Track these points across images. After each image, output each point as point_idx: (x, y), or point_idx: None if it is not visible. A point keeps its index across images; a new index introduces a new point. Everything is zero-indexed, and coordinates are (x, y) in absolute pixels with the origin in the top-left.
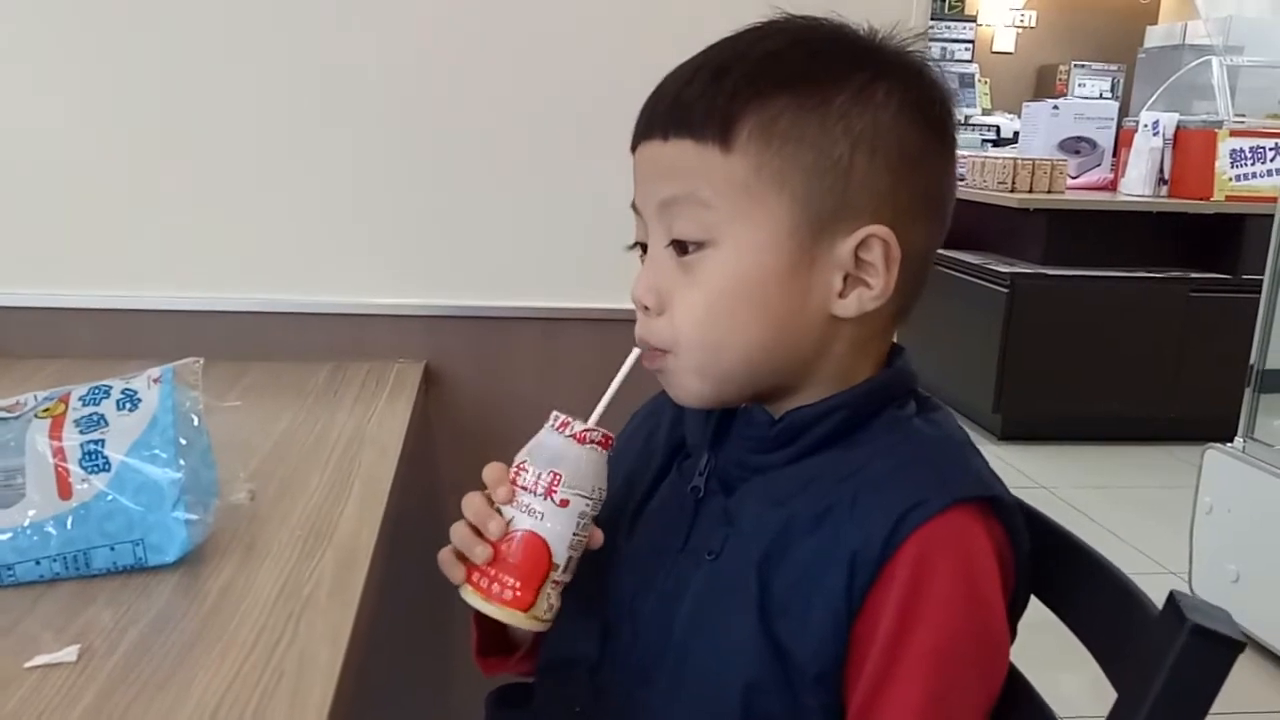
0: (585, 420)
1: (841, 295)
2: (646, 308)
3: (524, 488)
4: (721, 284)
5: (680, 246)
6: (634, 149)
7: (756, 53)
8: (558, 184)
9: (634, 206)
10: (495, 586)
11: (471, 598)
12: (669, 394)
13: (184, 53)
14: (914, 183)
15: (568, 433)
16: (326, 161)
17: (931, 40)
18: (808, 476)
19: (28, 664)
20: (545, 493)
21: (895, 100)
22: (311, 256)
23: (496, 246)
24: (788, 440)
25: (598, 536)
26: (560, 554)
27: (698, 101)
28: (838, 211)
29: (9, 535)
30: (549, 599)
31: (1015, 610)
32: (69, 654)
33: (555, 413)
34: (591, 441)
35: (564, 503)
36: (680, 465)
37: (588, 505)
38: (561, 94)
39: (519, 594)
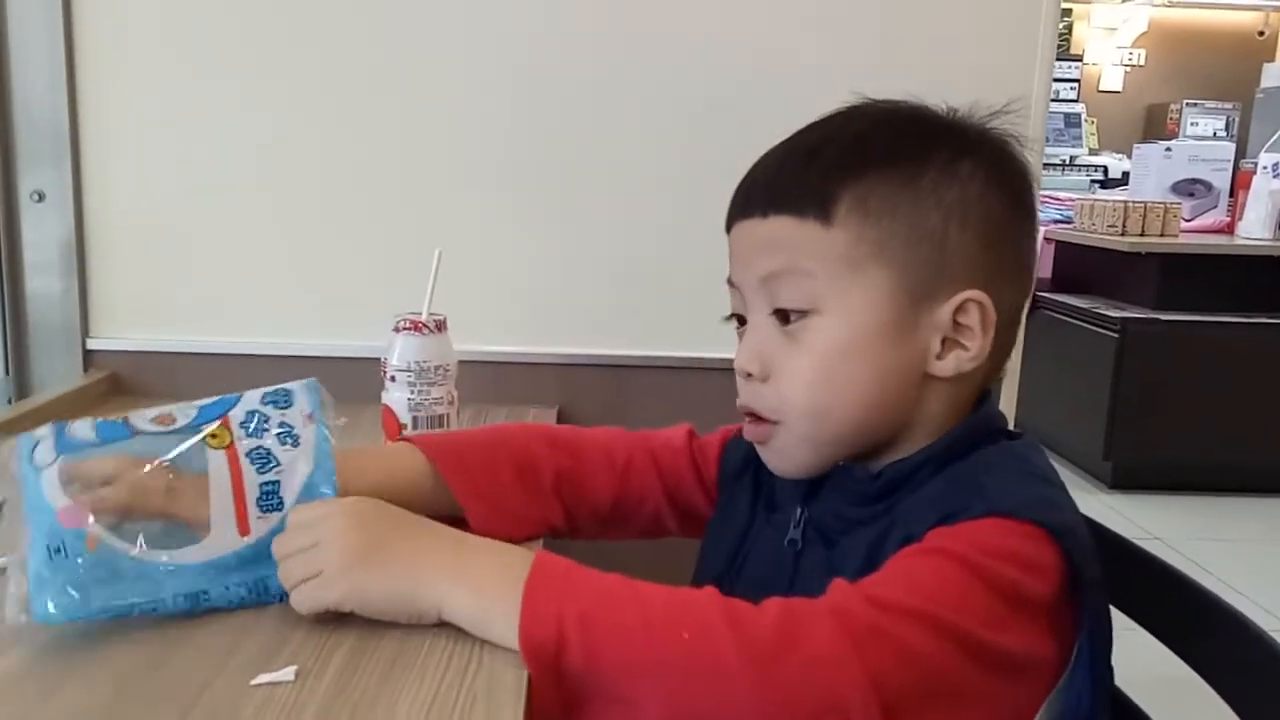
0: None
1: (939, 357)
2: (749, 375)
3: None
4: (827, 348)
5: (783, 316)
6: (729, 228)
7: (845, 135)
8: (679, 238)
9: (730, 282)
10: None
11: None
12: (771, 467)
13: (325, 109)
14: (1003, 249)
15: (393, 327)
16: (463, 217)
17: None
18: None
19: (253, 681)
20: (383, 374)
21: (981, 174)
22: (457, 304)
23: (627, 297)
24: (888, 493)
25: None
26: (404, 415)
27: (795, 180)
28: (935, 278)
29: (200, 566)
30: None
31: (1100, 641)
32: (288, 674)
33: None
34: (402, 330)
35: (392, 378)
36: (771, 518)
37: (410, 377)
38: (686, 154)
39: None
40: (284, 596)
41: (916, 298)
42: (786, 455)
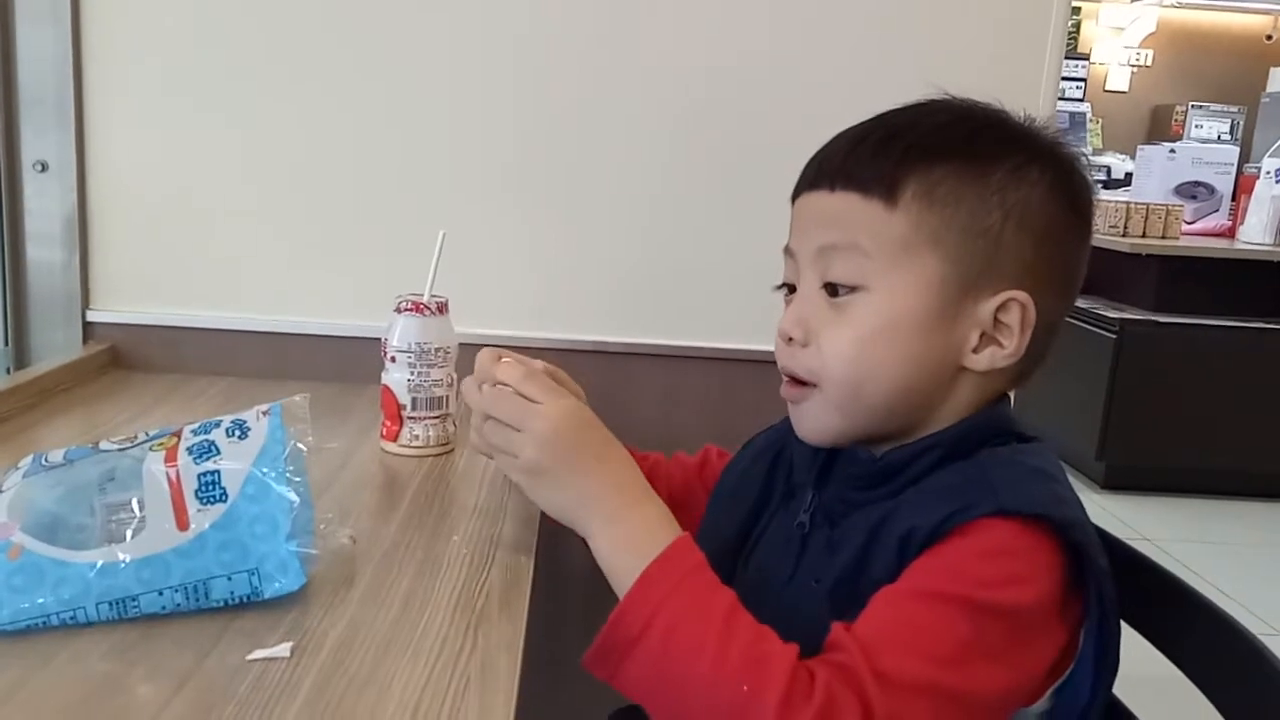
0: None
1: (976, 350)
2: (791, 339)
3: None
4: (871, 325)
5: (832, 289)
6: (795, 198)
7: (925, 124)
8: (684, 226)
9: (787, 250)
10: (382, 429)
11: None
12: (799, 431)
13: (372, 93)
14: (1054, 257)
15: (394, 308)
16: (468, 201)
17: None
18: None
19: (249, 657)
20: (383, 354)
21: (1047, 180)
22: (460, 288)
23: (630, 284)
24: (887, 478)
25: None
26: (403, 397)
27: (869, 161)
28: (984, 274)
29: (134, 565)
30: (411, 431)
31: (1106, 640)
32: (283, 650)
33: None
34: (404, 311)
35: (392, 359)
36: (787, 503)
37: (410, 358)
38: (693, 143)
39: (388, 428)
40: (226, 603)
41: (963, 289)
42: (817, 419)
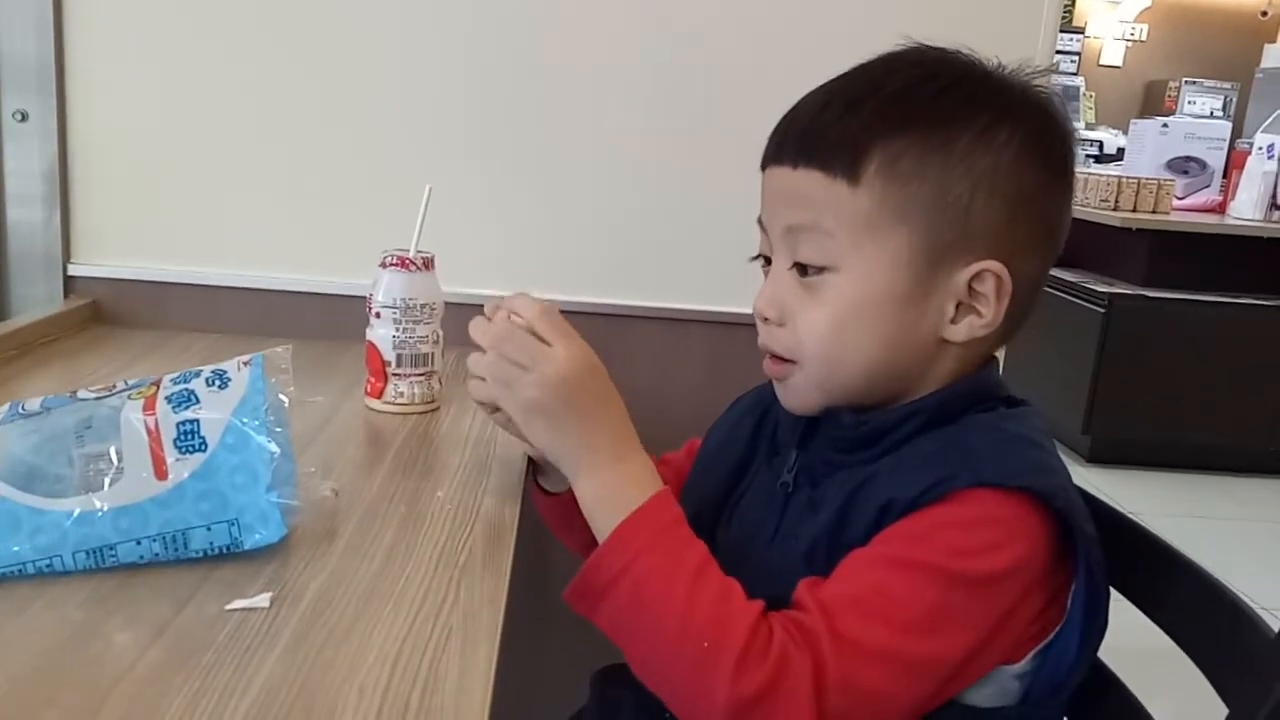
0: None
1: (953, 321)
2: (766, 319)
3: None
4: (842, 305)
5: (802, 269)
6: (763, 168)
7: (888, 87)
8: (671, 186)
9: (760, 222)
10: (366, 386)
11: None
12: (783, 403)
13: (350, 49)
14: (1030, 219)
15: (379, 263)
16: (456, 160)
17: None
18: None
19: (228, 606)
20: (368, 311)
21: (1017, 141)
22: (447, 246)
23: (617, 245)
24: (869, 442)
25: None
26: (388, 353)
27: (829, 133)
28: (955, 245)
29: (111, 514)
30: (396, 388)
31: (1092, 611)
32: (263, 600)
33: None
34: (389, 266)
35: (377, 315)
36: (771, 461)
37: (395, 314)
38: (681, 104)
39: (372, 385)
40: (205, 554)
41: (934, 263)
42: (799, 393)
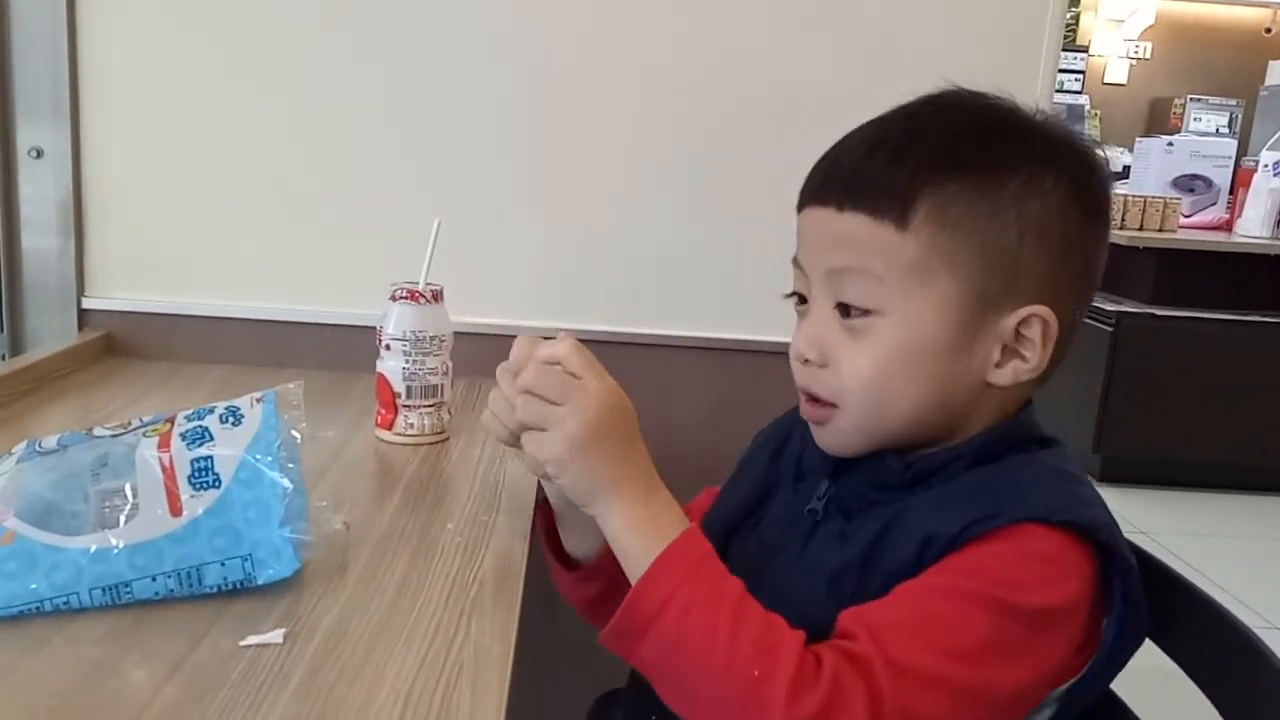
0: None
1: (998, 365)
2: (807, 360)
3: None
4: (888, 350)
5: (845, 310)
6: (800, 209)
7: (934, 133)
8: (682, 217)
9: (795, 261)
10: (377, 418)
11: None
12: (821, 444)
13: (369, 82)
14: (1074, 264)
15: (389, 296)
16: (465, 190)
17: None
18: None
19: (242, 642)
20: (378, 343)
21: (1062, 189)
22: (455, 276)
23: (626, 275)
24: (914, 484)
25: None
26: (398, 385)
27: (877, 179)
28: (1003, 291)
29: (127, 551)
30: (406, 419)
31: (1124, 642)
32: (276, 636)
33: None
34: (399, 299)
35: (387, 347)
36: (797, 486)
37: (405, 346)
38: (692, 135)
39: (383, 416)
40: (219, 589)
41: (982, 309)
42: (840, 436)
